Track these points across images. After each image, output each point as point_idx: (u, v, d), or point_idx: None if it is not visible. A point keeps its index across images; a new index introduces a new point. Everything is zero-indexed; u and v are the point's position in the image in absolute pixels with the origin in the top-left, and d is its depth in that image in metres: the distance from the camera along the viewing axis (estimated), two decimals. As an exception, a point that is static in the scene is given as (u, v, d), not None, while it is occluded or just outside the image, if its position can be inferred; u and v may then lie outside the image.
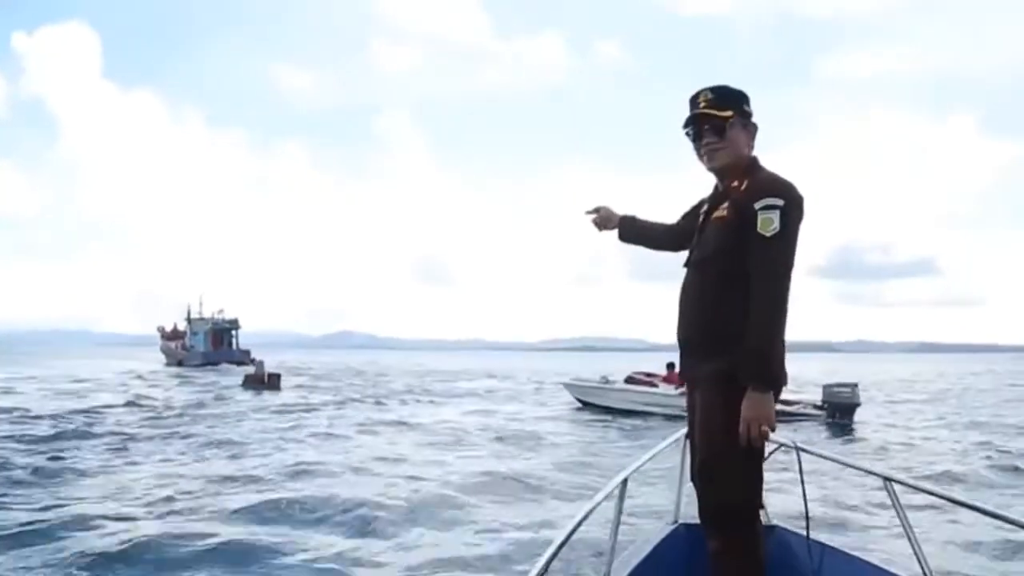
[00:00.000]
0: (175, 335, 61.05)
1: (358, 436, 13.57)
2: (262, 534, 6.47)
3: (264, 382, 27.42)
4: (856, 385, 16.26)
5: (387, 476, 9.32)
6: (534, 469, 10.02)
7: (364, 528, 6.81)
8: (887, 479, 2.51)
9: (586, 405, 18.75)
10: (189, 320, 59.81)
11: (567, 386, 20.14)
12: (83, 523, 6.72)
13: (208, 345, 56.68)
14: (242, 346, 58.00)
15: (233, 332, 58.91)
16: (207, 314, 59.30)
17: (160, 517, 7.06)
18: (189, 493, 8.10)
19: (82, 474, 9.21)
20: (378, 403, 21.76)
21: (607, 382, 18.80)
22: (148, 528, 6.62)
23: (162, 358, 60.29)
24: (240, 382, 28.29)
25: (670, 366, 17.39)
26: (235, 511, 7.27)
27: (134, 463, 10.15)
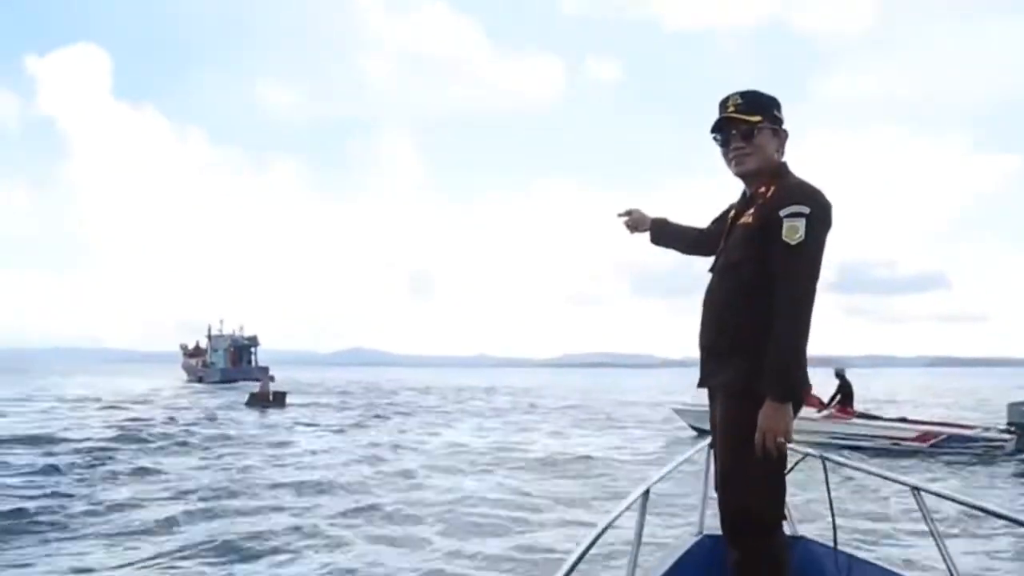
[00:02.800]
0: (197, 352, 61.89)
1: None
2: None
3: (269, 400, 26.88)
4: None
5: None
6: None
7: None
8: (916, 488, 2.48)
9: (701, 432, 15.82)
10: (210, 337, 60.66)
11: (680, 412, 18.11)
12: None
13: (227, 362, 57.25)
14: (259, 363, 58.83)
15: (252, 350, 59.53)
16: (227, 331, 60.30)
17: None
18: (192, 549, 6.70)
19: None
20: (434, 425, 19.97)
21: None
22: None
23: (183, 375, 61.31)
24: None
25: None
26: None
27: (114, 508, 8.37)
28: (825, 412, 14.84)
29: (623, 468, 12.07)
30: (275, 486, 9.82)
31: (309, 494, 9.33)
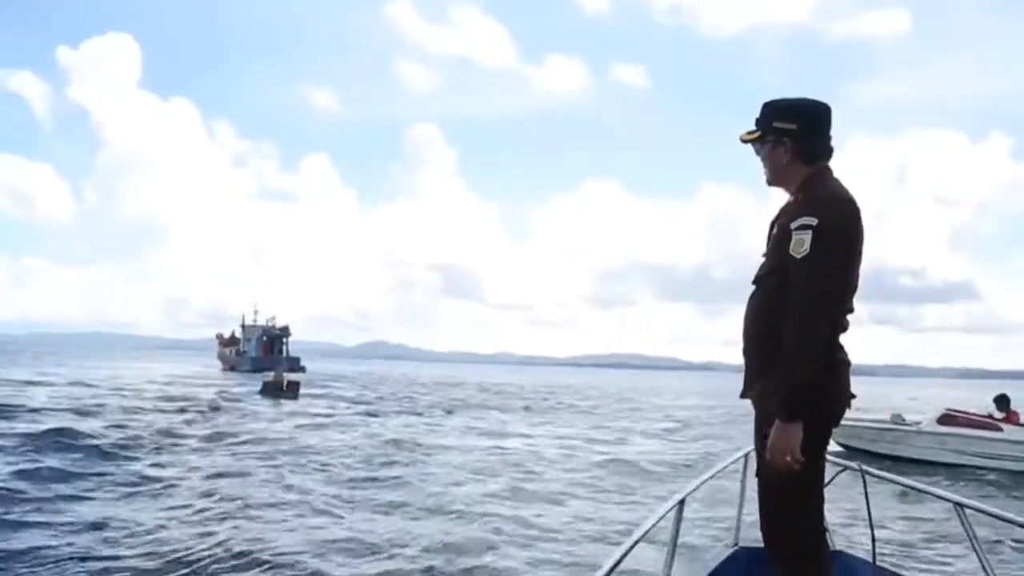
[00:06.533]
0: (231, 342, 63.65)
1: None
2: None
3: (283, 389, 27.13)
4: None
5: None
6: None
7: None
8: (959, 504, 2.43)
9: (857, 453, 12.23)
10: (243, 327, 62.26)
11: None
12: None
13: (259, 352, 58.63)
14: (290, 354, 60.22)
15: (284, 340, 61.05)
16: (260, 323, 61.93)
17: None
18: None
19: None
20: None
21: (903, 421, 13.82)
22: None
23: (219, 363, 63.15)
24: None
25: (1003, 401, 13.34)
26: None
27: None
28: None
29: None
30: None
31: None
